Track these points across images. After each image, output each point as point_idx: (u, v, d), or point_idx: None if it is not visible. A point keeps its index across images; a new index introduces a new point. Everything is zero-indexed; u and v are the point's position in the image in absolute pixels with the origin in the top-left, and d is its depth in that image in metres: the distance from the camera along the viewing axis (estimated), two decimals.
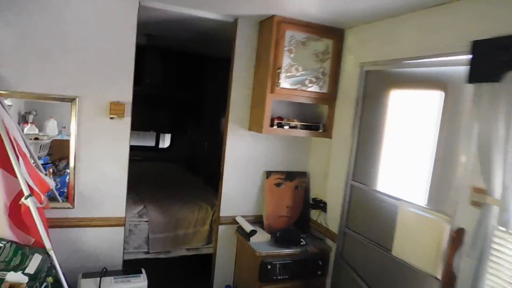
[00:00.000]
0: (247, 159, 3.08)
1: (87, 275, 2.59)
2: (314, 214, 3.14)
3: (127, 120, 2.68)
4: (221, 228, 3.10)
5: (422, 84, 2.34)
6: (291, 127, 2.89)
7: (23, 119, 2.81)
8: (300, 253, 2.79)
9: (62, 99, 2.51)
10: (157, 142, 5.96)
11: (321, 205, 3.05)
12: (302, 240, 2.85)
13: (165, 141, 6.08)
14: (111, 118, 2.60)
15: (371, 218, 2.59)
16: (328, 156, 3.03)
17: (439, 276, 2.02)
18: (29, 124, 2.82)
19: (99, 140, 2.64)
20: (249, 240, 2.85)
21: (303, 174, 3.24)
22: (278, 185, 3.14)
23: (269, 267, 2.71)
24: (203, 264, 3.64)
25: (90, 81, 2.56)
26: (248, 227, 2.90)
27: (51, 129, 2.90)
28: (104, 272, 2.57)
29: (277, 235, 2.87)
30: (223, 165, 3.04)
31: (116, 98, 2.61)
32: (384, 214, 2.48)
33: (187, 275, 3.62)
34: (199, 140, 5.61)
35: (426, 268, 2.10)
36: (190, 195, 4.06)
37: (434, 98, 2.22)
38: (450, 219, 1.98)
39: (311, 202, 3.17)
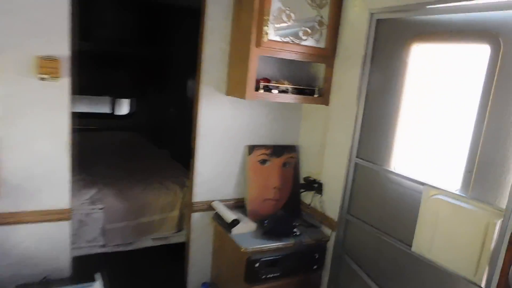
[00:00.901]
0: (225, 131, 2.49)
1: (22, 287, 1.98)
2: (306, 196, 2.64)
3: (65, 82, 1.98)
4: (194, 216, 2.54)
5: (458, 36, 1.80)
6: (280, 92, 2.30)
7: None
8: (293, 246, 2.29)
9: None
10: (113, 109, 5.20)
11: (315, 186, 2.54)
12: (295, 229, 2.36)
13: (123, 107, 5.32)
14: (42, 79, 1.90)
15: (381, 204, 2.11)
16: (324, 127, 2.49)
17: (483, 284, 1.59)
18: None
19: (26, 109, 1.95)
20: (230, 231, 2.32)
21: (292, 149, 2.71)
22: (263, 162, 2.59)
23: (257, 265, 2.20)
24: (174, 255, 3.09)
25: (6, 26, 1.83)
26: (228, 216, 2.36)
27: None
28: (44, 283, 1.97)
29: (265, 224, 2.34)
30: (195, 138, 2.44)
31: (47, 52, 1.90)
32: (401, 201, 2.00)
33: (154, 270, 3.08)
34: (163, 107, 4.90)
35: (462, 272, 1.66)
36: (155, 173, 3.42)
37: (476, 54, 1.70)
38: (502, 212, 1.52)
39: (302, 182, 2.65)
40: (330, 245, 2.42)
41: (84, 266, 2.54)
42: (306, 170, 2.68)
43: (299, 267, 2.35)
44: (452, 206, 1.71)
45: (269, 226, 2.31)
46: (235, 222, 2.31)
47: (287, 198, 2.66)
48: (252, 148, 2.56)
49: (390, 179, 2.07)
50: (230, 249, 2.37)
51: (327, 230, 2.45)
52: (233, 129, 2.51)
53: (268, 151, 2.61)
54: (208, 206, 2.54)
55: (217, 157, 2.50)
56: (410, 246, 1.90)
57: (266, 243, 2.24)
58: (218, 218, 2.47)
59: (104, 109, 5.15)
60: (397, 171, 2.02)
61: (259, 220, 2.50)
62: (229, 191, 2.60)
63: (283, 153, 2.66)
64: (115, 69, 4.72)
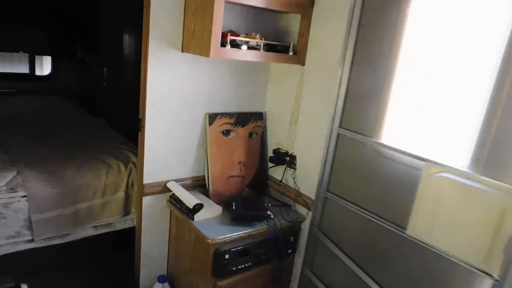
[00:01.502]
0: (180, 97, 2.03)
1: None
2: (276, 171, 2.31)
3: None
4: (146, 200, 2.10)
5: None
6: (250, 48, 1.88)
7: None
8: (267, 231, 1.99)
9: None
10: (33, 69, 4.37)
11: (286, 160, 2.22)
12: (268, 212, 2.04)
13: (46, 67, 4.51)
14: None
15: (368, 181, 1.85)
16: (298, 92, 2.13)
17: (496, 274, 1.40)
18: None
19: None
20: (192, 218, 1.94)
21: (259, 116, 2.33)
22: (226, 133, 2.20)
23: (226, 257, 1.87)
24: (121, 244, 2.66)
25: None
26: (189, 199, 1.96)
27: None
28: None
29: (233, 208, 1.99)
30: (144, 106, 1.96)
31: None
32: (393, 178, 1.75)
33: (98, 263, 2.63)
34: (95, 66, 4.19)
35: (470, 259, 1.47)
36: (90, 147, 2.87)
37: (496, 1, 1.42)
38: None
39: (271, 155, 2.31)
40: (305, 225, 2.15)
41: (6, 268, 2.04)
42: (275, 141, 2.33)
43: (273, 253, 2.06)
44: (460, 186, 1.47)
45: (238, 210, 1.96)
46: (198, 207, 1.93)
47: (254, 174, 2.31)
48: (213, 117, 2.15)
49: (380, 153, 1.79)
50: (192, 239, 2.00)
51: (302, 209, 2.16)
52: (191, 95, 2.06)
53: (232, 120, 2.21)
54: (162, 188, 2.11)
55: (172, 129, 2.06)
56: (404, 228, 1.67)
57: (235, 231, 1.90)
58: (175, 201, 2.07)
59: (22, 69, 4.31)
60: (390, 144, 1.75)
61: (224, 201, 2.15)
62: (187, 168, 2.19)
63: (249, 121, 2.28)
64: (30, 20, 3.90)
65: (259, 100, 2.34)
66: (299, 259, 2.22)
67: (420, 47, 1.65)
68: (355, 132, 1.88)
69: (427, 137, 1.66)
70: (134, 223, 2.47)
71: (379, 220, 1.78)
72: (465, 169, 1.48)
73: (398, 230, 1.70)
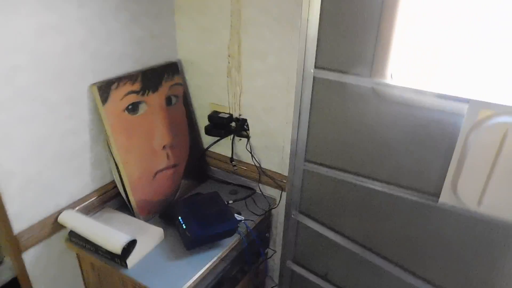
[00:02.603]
0: (36, 64, 1.08)
1: None
2: (219, 146, 1.58)
3: None
4: (28, 255, 1.21)
5: None
6: None
7: None
8: (240, 242, 1.34)
9: None
10: None
11: (231, 126, 1.51)
12: (235, 214, 1.36)
13: None
14: None
15: (368, 139, 1.30)
16: (234, 20, 1.35)
17: None
18: None
19: None
20: (125, 265, 1.17)
21: (173, 70, 1.50)
22: (132, 108, 1.34)
23: None
24: None
25: None
26: (108, 238, 1.16)
27: None
28: None
29: (184, 227, 1.25)
30: None
31: None
32: (408, 130, 1.23)
33: None
34: None
35: None
36: None
37: None
38: None
39: (207, 124, 1.56)
40: (279, 210, 1.56)
41: None
42: (205, 102, 1.57)
43: (250, 262, 1.46)
44: None
45: (194, 230, 1.24)
46: (129, 247, 1.16)
47: (187, 157, 1.56)
48: (106, 88, 1.26)
49: (387, 98, 1.23)
50: None
51: (271, 191, 1.54)
52: (56, 57, 1.12)
53: (137, 86, 1.35)
54: (51, 227, 1.23)
55: (37, 125, 1.12)
56: (433, 196, 1.23)
57: (200, 264, 1.20)
58: (82, 241, 1.24)
59: None
60: (401, 84, 1.18)
61: (157, 213, 1.40)
62: (83, 181, 1.31)
63: (162, 80, 1.44)
64: None
65: (166, 43, 1.49)
66: (277, 254, 1.67)
67: None
68: (341, 72, 1.25)
69: (455, 71, 1.14)
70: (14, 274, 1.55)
71: (391, 189, 1.29)
72: None
73: (423, 199, 1.24)
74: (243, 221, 1.36)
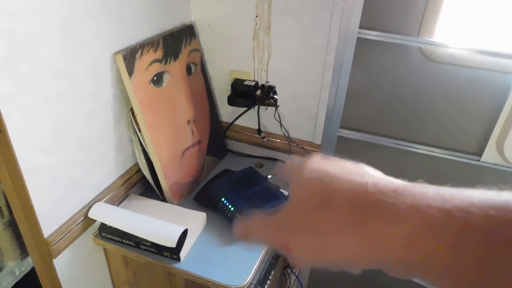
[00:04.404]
0: (55, 32, 0.86)
1: None
2: (243, 117, 1.44)
3: None
4: (60, 261, 1.02)
5: None
6: None
7: None
8: None
9: None
10: None
11: (256, 95, 1.38)
12: (279, 189, 1.27)
13: None
14: None
15: (415, 102, 1.26)
16: None
17: None
18: None
19: None
20: (178, 258, 1.04)
21: (189, 33, 1.31)
22: (157, 80, 1.16)
23: None
24: None
25: None
26: (155, 229, 1.02)
27: None
28: None
29: (230, 208, 1.14)
30: None
31: None
32: (457, 91, 1.21)
33: None
34: None
35: None
36: None
37: None
38: None
39: (230, 93, 1.40)
40: None
41: None
42: (223, 69, 1.41)
43: None
44: None
45: (246, 213, 1.14)
46: (182, 239, 1.03)
47: (209, 131, 1.41)
48: (131, 57, 1.05)
49: (434, 57, 1.19)
50: None
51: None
52: (77, 22, 0.90)
53: (160, 53, 1.15)
54: (82, 225, 1.05)
55: (61, 106, 0.91)
56: (475, 155, 1.25)
57: (257, 247, 1.12)
58: (117, 235, 1.08)
59: None
60: (450, 43, 1.14)
61: (193, 197, 1.27)
62: (107, 167, 1.13)
63: (181, 46, 1.26)
64: None
65: (179, 1, 1.29)
66: None
67: None
68: (388, 32, 1.18)
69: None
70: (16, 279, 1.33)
71: (430, 151, 1.29)
72: None
73: (465, 159, 1.26)
74: (286, 194, 1.28)
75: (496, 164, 1.24)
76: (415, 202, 0.24)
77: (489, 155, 1.24)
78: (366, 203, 0.26)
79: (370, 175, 0.29)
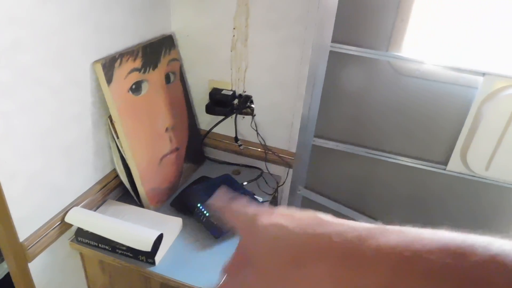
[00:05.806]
0: (36, 42, 0.89)
1: None
2: (220, 125, 1.48)
3: None
4: (35, 265, 1.03)
5: None
6: None
7: None
8: None
9: None
10: None
11: (233, 104, 1.42)
12: (254, 195, 1.31)
13: None
14: None
15: (384, 113, 1.33)
16: None
17: None
18: None
19: None
20: (153, 262, 1.07)
21: (169, 43, 1.35)
22: (136, 88, 1.19)
23: None
24: None
25: None
26: (129, 233, 1.05)
27: None
28: None
29: (204, 213, 1.18)
30: None
31: None
32: (423, 104, 1.28)
33: None
34: None
35: None
36: None
37: None
38: None
39: (208, 102, 1.44)
40: (284, 188, 1.55)
41: None
42: (202, 78, 1.45)
43: None
44: None
45: (210, 218, 1.18)
46: (157, 243, 1.05)
47: (187, 138, 1.44)
48: (110, 65, 1.08)
49: (402, 71, 1.25)
50: None
51: (277, 169, 1.51)
52: (57, 31, 0.93)
53: (138, 62, 1.19)
54: (58, 229, 1.06)
55: (40, 113, 0.93)
56: (441, 164, 1.31)
57: (231, 252, 1.16)
58: (93, 240, 1.10)
59: None
60: (417, 57, 1.21)
61: (170, 203, 1.30)
62: (86, 172, 1.15)
63: (160, 56, 1.30)
64: None
65: (161, 14, 1.33)
66: None
67: None
68: (358, 46, 1.24)
69: (466, 45, 1.20)
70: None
71: (397, 159, 1.35)
72: None
73: (430, 167, 1.33)
74: (260, 200, 1.32)
75: (460, 173, 1.31)
76: (379, 247, 0.24)
77: (454, 165, 1.30)
78: (334, 257, 0.26)
79: (330, 223, 0.28)
